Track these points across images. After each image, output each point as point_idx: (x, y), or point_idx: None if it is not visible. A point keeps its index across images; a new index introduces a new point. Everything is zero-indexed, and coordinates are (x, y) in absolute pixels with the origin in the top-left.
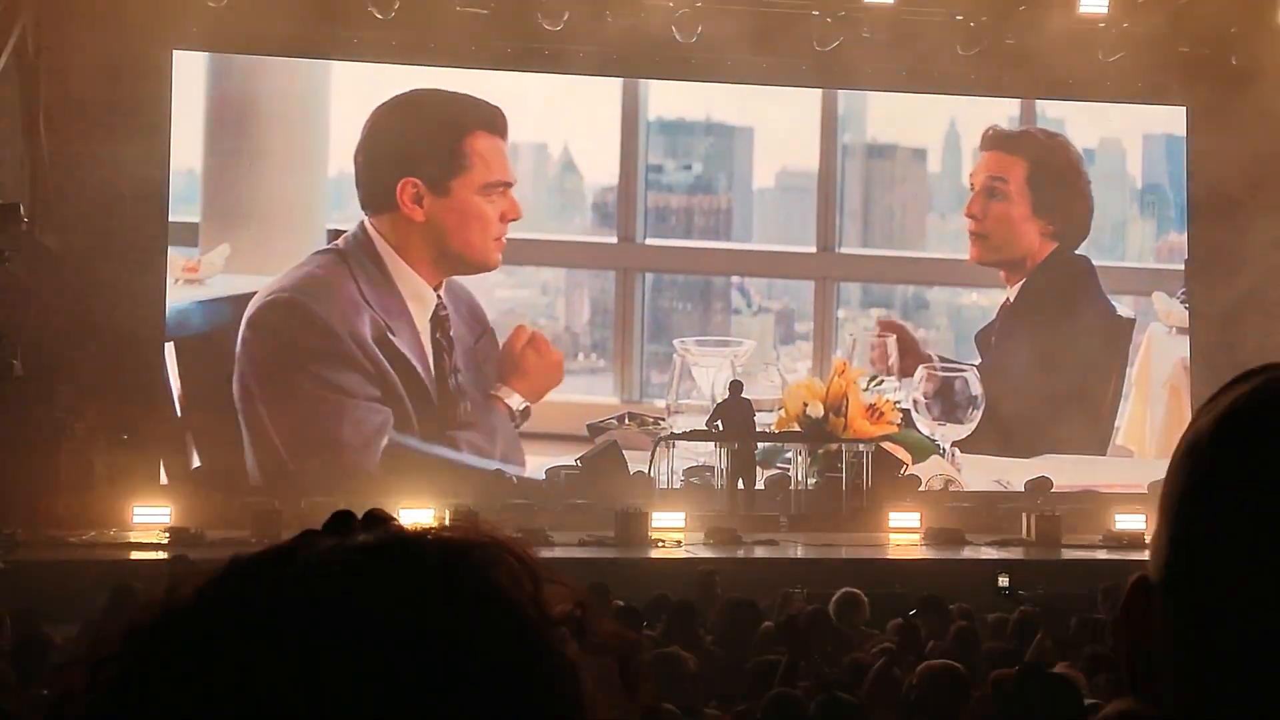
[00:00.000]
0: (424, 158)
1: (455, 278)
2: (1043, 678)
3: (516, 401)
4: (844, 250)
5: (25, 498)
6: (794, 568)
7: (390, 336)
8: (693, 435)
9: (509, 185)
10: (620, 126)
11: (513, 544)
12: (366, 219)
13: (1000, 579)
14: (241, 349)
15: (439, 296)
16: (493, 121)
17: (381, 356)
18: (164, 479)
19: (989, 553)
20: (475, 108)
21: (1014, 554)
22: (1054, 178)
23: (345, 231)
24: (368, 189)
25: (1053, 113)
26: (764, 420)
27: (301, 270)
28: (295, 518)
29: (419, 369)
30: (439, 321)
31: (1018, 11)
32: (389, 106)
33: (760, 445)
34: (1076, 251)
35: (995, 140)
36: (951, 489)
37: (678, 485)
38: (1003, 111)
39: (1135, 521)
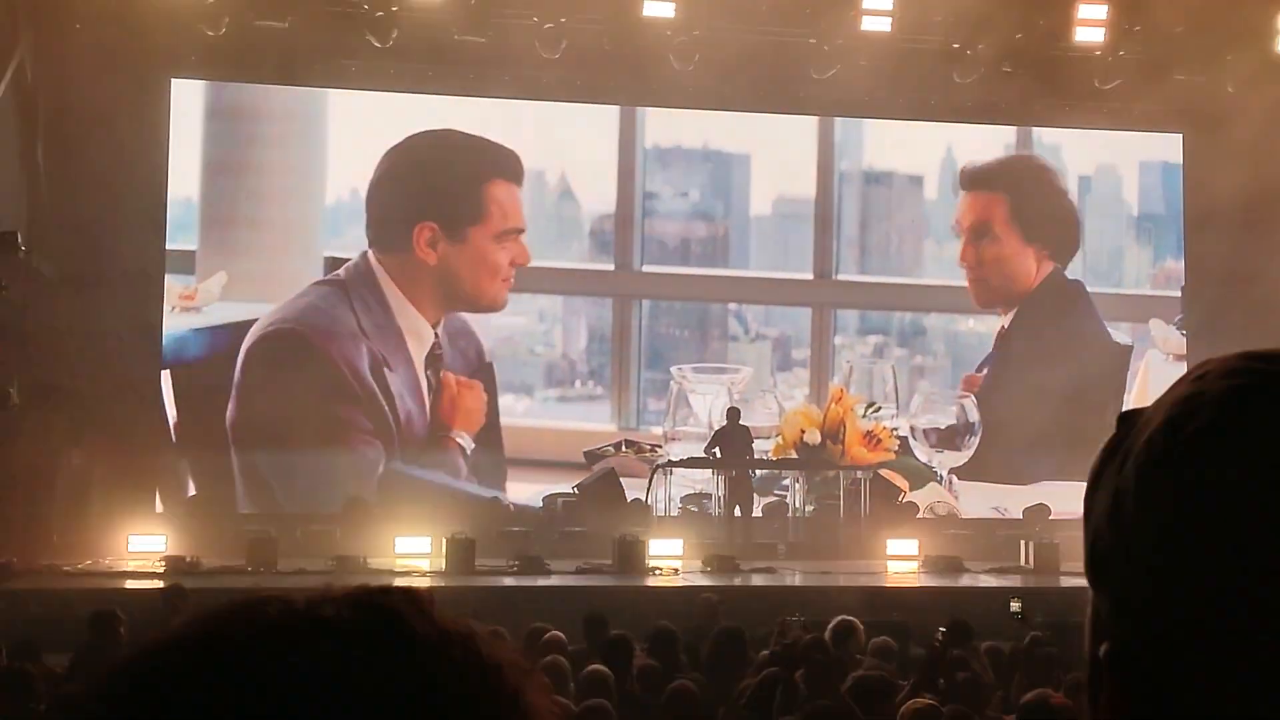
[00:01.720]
0: (442, 203)
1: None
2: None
3: (467, 441)
4: (841, 277)
5: (21, 526)
6: (792, 595)
7: (386, 370)
8: (690, 462)
9: (521, 232)
10: (618, 154)
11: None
12: (371, 253)
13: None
14: (240, 378)
15: (436, 335)
16: (511, 168)
17: (377, 390)
18: (159, 507)
19: (987, 580)
20: (494, 153)
21: (1012, 581)
22: (1035, 200)
23: (343, 260)
24: (378, 228)
25: (1049, 140)
26: (761, 447)
27: (302, 301)
28: (291, 546)
29: (413, 405)
30: (433, 360)
31: (1014, 40)
32: (405, 147)
33: (758, 472)
34: (1071, 274)
35: (972, 179)
36: (949, 516)
37: (675, 513)
38: (999, 139)
39: None
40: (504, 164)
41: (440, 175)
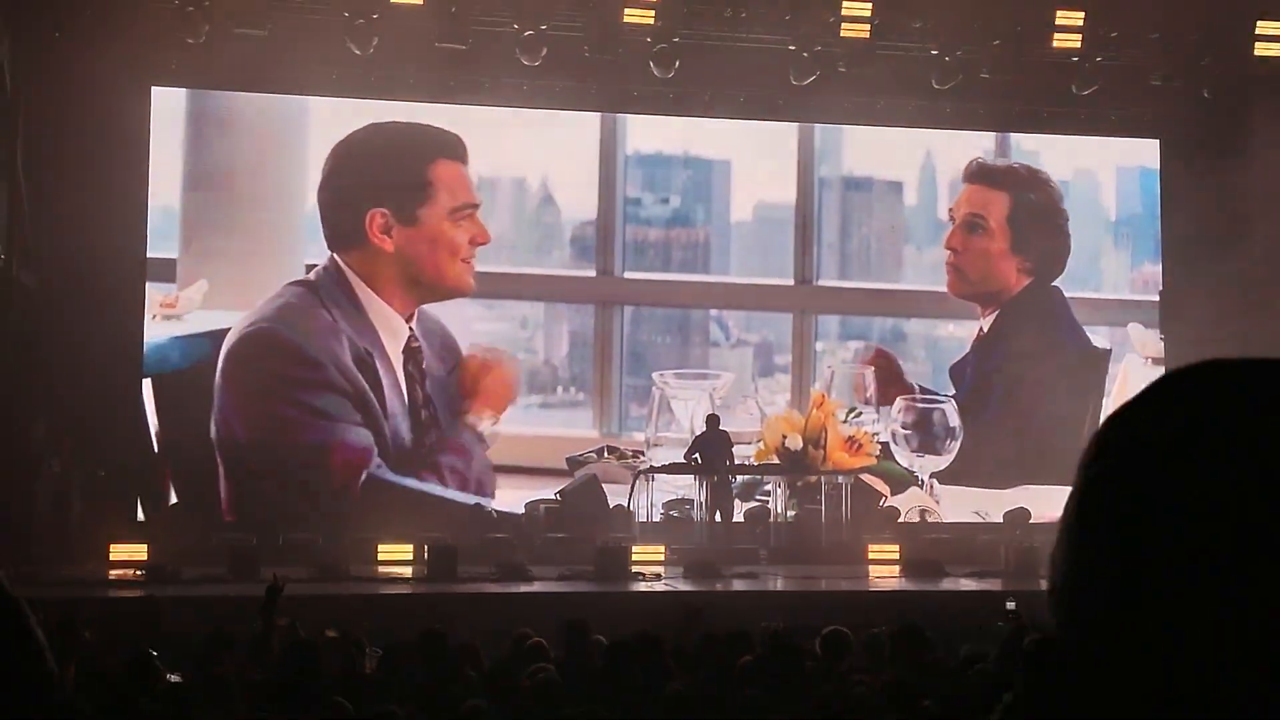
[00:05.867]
0: (388, 189)
1: (428, 309)
2: None
3: (486, 425)
4: (822, 283)
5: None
6: (773, 600)
7: (369, 360)
8: (672, 468)
9: (475, 207)
10: (598, 160)
11: None
12: (333, 254)
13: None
14: (221, 382)
15: (410, 328)
16: (452, 148)
17: (364, 382)
18: (140, 516)
19: (968, 584)
20: (434, 135)
21: (992, 585)
22: (1035, 215)
23: None
24: (333, 226)
25: (1027, 145)
26: (743, 453)
27: (277, 301)
28: (272, 555)
29: (394, 401)
30: (411, 353)
31: (992, 45)
32: (347, 143)
33: (739, 478)
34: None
35: (979, 174)
36: (930, 520)
37: (657, 518)
38: (978, 145)
39: None
40: (445, 144)
41: (383, 163)
